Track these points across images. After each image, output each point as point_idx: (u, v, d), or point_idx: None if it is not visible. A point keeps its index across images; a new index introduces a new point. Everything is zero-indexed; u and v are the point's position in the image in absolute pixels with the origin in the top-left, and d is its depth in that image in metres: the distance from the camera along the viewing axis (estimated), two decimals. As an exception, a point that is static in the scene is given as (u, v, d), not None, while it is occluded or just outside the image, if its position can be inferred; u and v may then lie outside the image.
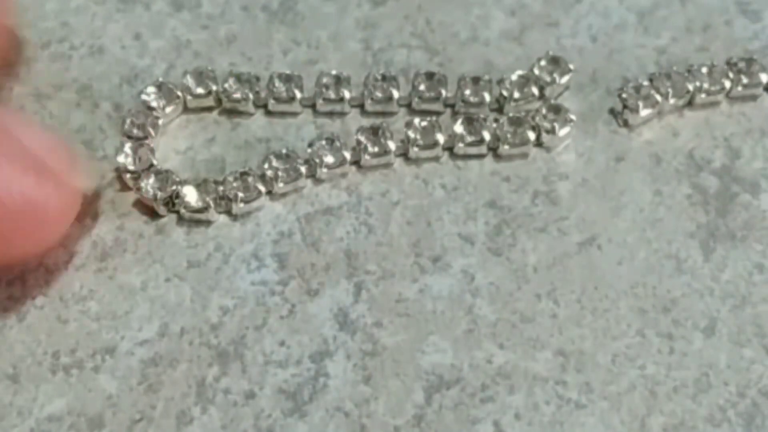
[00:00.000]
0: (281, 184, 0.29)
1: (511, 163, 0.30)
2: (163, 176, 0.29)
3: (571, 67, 0.31)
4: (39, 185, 0.25)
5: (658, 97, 0.30)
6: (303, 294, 0.28)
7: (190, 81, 0.31)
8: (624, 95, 0.30)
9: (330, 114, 0.31)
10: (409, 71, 0.32)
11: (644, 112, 0.30)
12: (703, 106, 0.31)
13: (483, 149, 0.30)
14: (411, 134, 0.30)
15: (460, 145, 0.30)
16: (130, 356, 0.27)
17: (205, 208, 0.29)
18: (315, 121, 0.31)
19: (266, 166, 0.29)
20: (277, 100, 0.30)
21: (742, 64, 0.31)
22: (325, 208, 0.29)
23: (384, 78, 0.30)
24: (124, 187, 0.29)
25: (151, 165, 0.29)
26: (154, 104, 0.30)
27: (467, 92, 0.30)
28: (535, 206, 0.29)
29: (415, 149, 0.30)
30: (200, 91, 0.31)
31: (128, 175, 0.29)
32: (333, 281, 0.28)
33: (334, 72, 0.31)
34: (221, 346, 0.27)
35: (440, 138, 0.30)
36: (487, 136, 0.30)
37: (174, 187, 0.29)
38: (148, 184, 0.29)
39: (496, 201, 0.29)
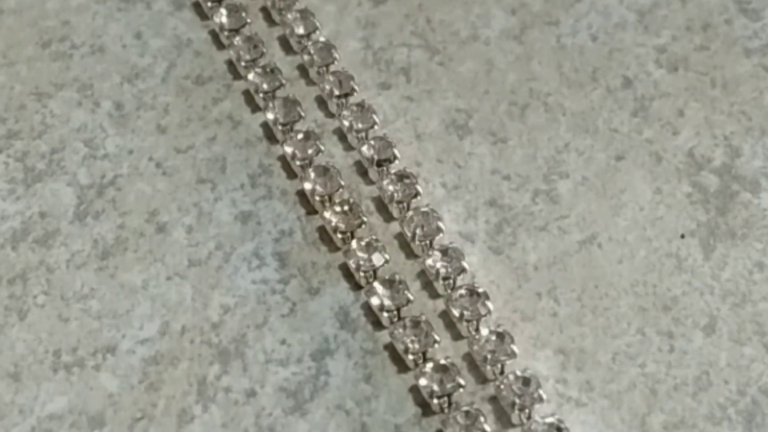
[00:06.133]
0: None
1: (512, 161, 0.30)
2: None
3: None
4: None
5: None
6: (304, 292, 0.28)
7: None
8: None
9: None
10: (409, 70, 0.32)
11: None
12: None
13: None
14: None
15: None
16: (131, 355, 0.27)
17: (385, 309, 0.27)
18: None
19: None
20: None
21: None
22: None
23: None
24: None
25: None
26: None
27: None
28: (535, 205, 0.29)
29: None
30: None
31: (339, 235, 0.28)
32: (334, 280, 0.28)
33: None
34: (222, 345, 0.27)
35: None
36: None
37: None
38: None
39: (497, 200, 0.29)
